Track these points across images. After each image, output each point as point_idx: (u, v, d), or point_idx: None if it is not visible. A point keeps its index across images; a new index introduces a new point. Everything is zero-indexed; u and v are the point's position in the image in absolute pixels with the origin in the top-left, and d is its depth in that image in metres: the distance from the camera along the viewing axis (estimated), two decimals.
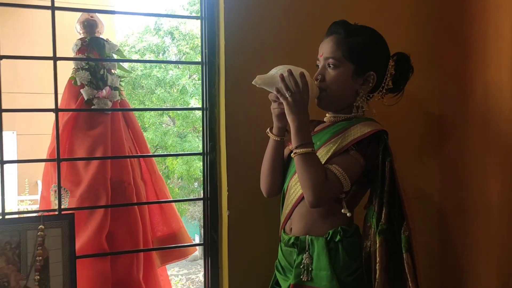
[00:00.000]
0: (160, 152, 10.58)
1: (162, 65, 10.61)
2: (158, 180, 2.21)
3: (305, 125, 1.17)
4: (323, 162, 1.18)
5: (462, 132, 1.65)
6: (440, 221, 1.77)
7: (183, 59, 9.73)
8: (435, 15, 1.74)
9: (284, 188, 1.33)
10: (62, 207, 1.46)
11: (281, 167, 1.34)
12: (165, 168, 10.83)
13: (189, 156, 9.26)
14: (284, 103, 1.16)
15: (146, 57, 10.12)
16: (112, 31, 6.57)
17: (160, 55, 10.49)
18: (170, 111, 9.96)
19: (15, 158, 2.96)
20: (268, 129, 1.32)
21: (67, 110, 2.01)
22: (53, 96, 1.44)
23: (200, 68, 1.61)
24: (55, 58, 1.43)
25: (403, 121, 1.69)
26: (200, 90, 1.62)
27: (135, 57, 10.44)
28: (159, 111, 10.85)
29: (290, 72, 1.15)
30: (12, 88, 5.98)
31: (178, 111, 9.59)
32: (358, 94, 1.25)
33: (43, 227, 1.33)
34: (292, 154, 1.20)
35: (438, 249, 1.77)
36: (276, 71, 1.18)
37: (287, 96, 1.14)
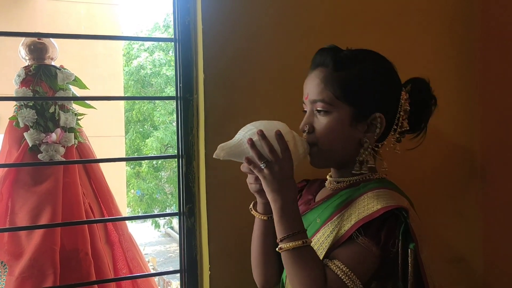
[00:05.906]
0: (170, 150, 10.31)
1: (172, 62, 10.43)
2: (128, 241, 1.77)
3: (291, 205, 0.90)
4: (322, 254, 0.91)
5: None
6: None
7: None
8: (477, 23, 1.48)
9: (283, 279, 1.03)
10: None
11: (276, 252, 1.04)
12: None
13: None
14: (260, 177, 0.91)
15: (155, 55, 9.87)
16: (117, 28, 6.13)
17: (170, 52, 10.24)
18: None
19: None
20: (251, 205, 1.04)
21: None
22: None
23: (175, 105, 1.29)
24: None
25: (436, 166, 1.45)
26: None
27: (144, 55, 10.21)
28: (168, 110, 10.67)
29: (261, 134, 0.90)
30: None
31: None
32: (362, 144, 0.97)
33: None
34: (277, 248, 0.90)
35: None
36: (243, 135, 0.93)
37: (262, 167, 0.89)
